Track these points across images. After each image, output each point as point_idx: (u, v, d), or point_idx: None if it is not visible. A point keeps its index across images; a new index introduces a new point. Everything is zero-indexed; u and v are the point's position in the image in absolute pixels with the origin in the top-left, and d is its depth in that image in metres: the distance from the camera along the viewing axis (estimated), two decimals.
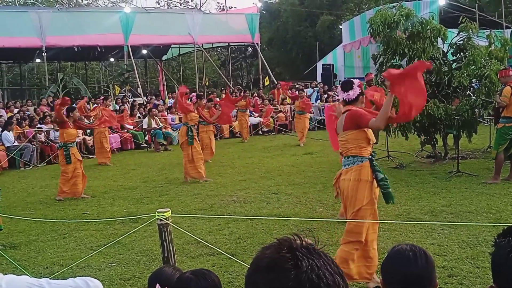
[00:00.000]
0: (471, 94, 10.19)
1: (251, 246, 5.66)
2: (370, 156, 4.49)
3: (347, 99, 4.58)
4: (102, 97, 16.70)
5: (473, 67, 9.37)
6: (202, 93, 15.92)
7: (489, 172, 8.74)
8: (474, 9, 22.15)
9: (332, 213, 6.89)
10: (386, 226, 5.98)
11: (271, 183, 9.19)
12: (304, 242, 1.16)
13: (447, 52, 10.35)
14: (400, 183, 8.49)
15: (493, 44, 9.97)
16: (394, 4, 11.78)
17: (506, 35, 15.01)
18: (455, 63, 10.16)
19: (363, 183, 4.40)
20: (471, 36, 9.91)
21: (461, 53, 10.01)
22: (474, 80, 9.88)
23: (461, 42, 9.99)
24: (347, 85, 4.60)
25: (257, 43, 25.26)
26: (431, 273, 1.98)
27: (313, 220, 6.52)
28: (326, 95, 21.16)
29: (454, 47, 10.10)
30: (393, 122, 4.66)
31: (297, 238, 1.16)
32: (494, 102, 8.89)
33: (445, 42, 10.26)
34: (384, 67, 10.01)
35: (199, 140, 10.44)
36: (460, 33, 10.05)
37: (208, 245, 5.29)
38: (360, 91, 4.55)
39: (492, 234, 5.01)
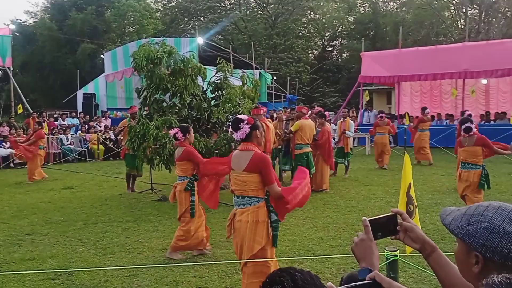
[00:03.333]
0: (228, 130, 10.95)
1: None
2: (266, 196, 4.40)
3: (240, 139, 4.43)
4: None
5: (229, 104, 10.11)
6: None
7: None
8: (228, 50, 24.19)
9: (94, 253, 6.55)
10: (150, 263, 5.94)
11: (24, 223, 8.32)
12: None
13: (207, 89, 10.95)
14: (164, 216, 8.57)
15: (246, 85, 10.95)
16: (156, 39, 12.08)
17: (256, 77, 16.70)
18: (214, 100, 10.80)
19: (261, 224, 4.34)
20: (227, 76, 10.70)
21: (219, 91, 10.70)
22: (230, 116, 10.64)
23: (219, 81, 10.71)
24: (234, 125, 4.42)
25: (8, 67, 23.01)
26: None
27: (73, 263, 6.08)
28: (87, 126, 20.35)
29: (213, 85, 10.74)
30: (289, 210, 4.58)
31: None
32: None
33: (205, 80, 10.87)
34: (148, 100, 10.11)
35: None
36: (218, 73, 10.76)
37: None
38: (250, 127, 4.37)
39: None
